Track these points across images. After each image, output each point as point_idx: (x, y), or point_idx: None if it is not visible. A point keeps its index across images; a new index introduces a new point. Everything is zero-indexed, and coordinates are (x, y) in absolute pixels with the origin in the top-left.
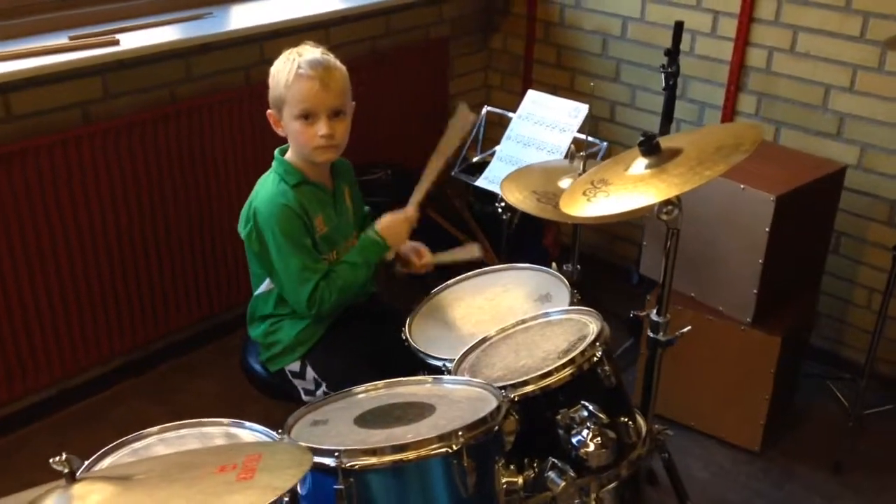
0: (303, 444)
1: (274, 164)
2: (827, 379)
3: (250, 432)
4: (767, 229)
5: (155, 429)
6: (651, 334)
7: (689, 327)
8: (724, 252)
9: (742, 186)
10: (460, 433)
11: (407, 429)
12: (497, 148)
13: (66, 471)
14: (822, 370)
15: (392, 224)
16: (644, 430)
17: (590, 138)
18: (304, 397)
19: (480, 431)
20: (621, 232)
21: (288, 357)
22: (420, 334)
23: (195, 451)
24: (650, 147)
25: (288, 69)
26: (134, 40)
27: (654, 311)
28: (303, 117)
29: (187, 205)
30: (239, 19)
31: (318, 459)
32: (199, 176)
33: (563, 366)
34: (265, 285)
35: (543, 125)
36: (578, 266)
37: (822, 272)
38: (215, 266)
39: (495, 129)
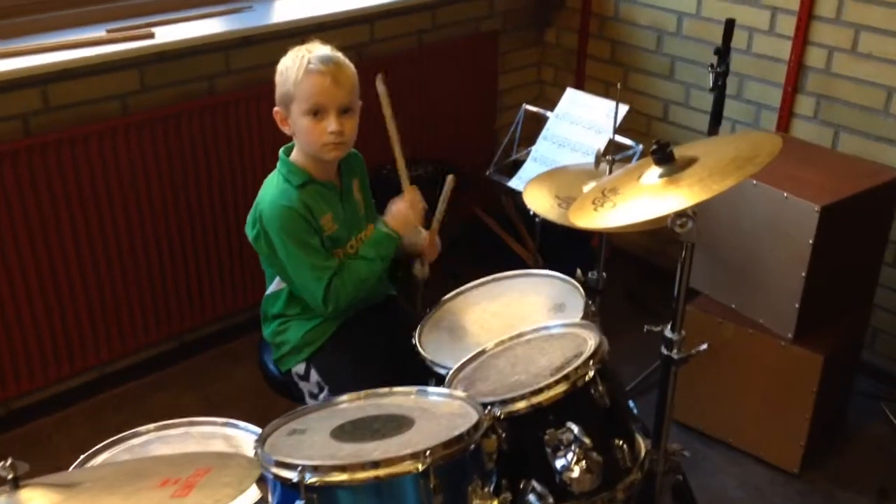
0: (274, 456)
1: (278, 164)
2: (880, 399)
3: (244, 433)
4: (811, 241)
5: (151, 426)
6: (664, 351)
7: (705, 345)
8: (766, 263)
9: (785, 195)
10: (428, 452)
11: (379, 444)
12: (533, 148)
13: (10, 477)
14: (878, 389)
15: (398, 213)
16: (643, 453)
17: (626, 140)
18: (307, 400)
19: (454, 451)
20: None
21: (294, 358)
22: (430, 340)
23: (153, 460)
24: (663, 156)
25: (298, 65)
26: (169, 33)
27: (669, 326)
28: (312, 113)
29: (222, 195)
30: (281, 13)
31: (283, 473)
32: (237, 167)
33: (554, 384)
34: (275, 285)
35: (580, 125)
36: (604, 274)
37: (875, 286)
38: (253, 256)
39: (534, 128)
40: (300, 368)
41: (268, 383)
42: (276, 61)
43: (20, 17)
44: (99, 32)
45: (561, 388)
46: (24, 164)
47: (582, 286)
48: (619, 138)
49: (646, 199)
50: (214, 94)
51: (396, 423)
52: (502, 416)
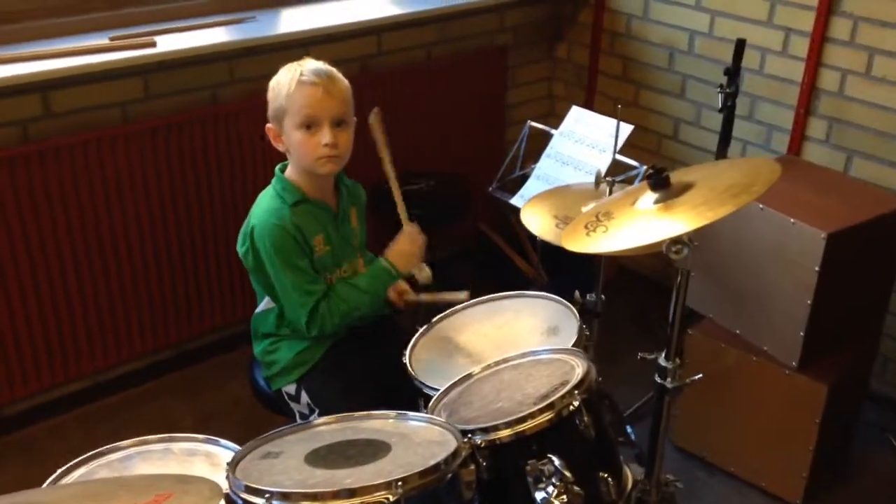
0: (244, 481)
1: (273, 180)
2: (887, 430)
3: (224, 451)
4: (817, 268)
5: (131, 441)
6: (658, 379)
7: (700, 375)
8: (771, 289)
9: (792, 220)
10: (400, 483)
11: (352, 471)
12: (536, 165)
13: None
14: (886, 419)
15: (400, 251)
16: (630, 486)
17: (629, 160)
18: (297, 420)
19: (429, 480)
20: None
21: (285, 378)
22: (420, 361)
23: (116, 482)
24: (658, 181)
25: (290, 78)
26: (171, 42)
27: (663, 354)
28: (305, 126)
29: (223, 206)
30: (286, 23)
31: (252, 499)
32: (237, 178)
33: (537, 413)
34: (265, 303)
35: (584, 144)
36: (603, 296)
37: (884, 314)
38: None
39: (538, 144)
40: (291, 389)
41: (258, 400)
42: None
43: (23, 22)
44: (102, 40)
45: (544, 417)
46: (21, 171)
47: (580, 308)
48: (623, 158)
49: (639, 224)
50: (217, 103)
51: (373, 450)
52: (483, 445)
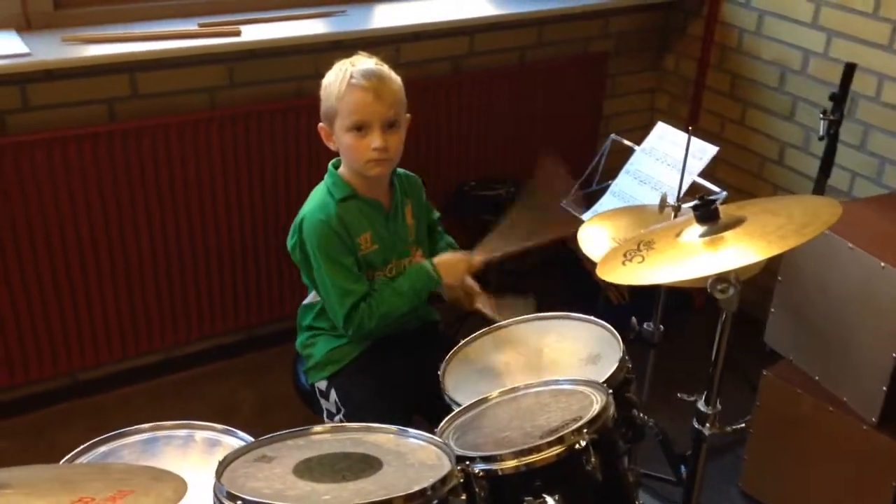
0: (224, 484)
1: (326, 175)
2: None
3: (238, 441)
4: None
5: (146, 426)
6: (696, 425)
7: (743, 423)
8: (856, 336)
9: (882, 264)
10: None
11: (333, 488)
12: (613, 181)
13: None
14: None
15: (451, 263)
16: None
17: (709, 185)
18: (325, 419)
19: None
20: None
21: (318, 374)
22: (454, 374)
23: (95, 470)
24: (706, 213)
25: (340, 79)
26: (257, 32)
27: (703, 398)
28: (355, 129)
29: (299, 196)
30: (376, 19)
31: (226, 502)
32: (314, 169)
33: (542, 447)
34: (312, 296)
35: (665, 163)
36: (661, 326)
37: None
38: None
39: (622, 159)
40: (322, 385)
41: (296, 392)
42: None
43: (115, 4)
44: (191, 26)
45: (548, 453)
46: (104, 149)
47: (635, 337)
48: (703, 182)
49: (679, 258)
50: (301, 95)
51: (363, 466)
52: (481, 474)
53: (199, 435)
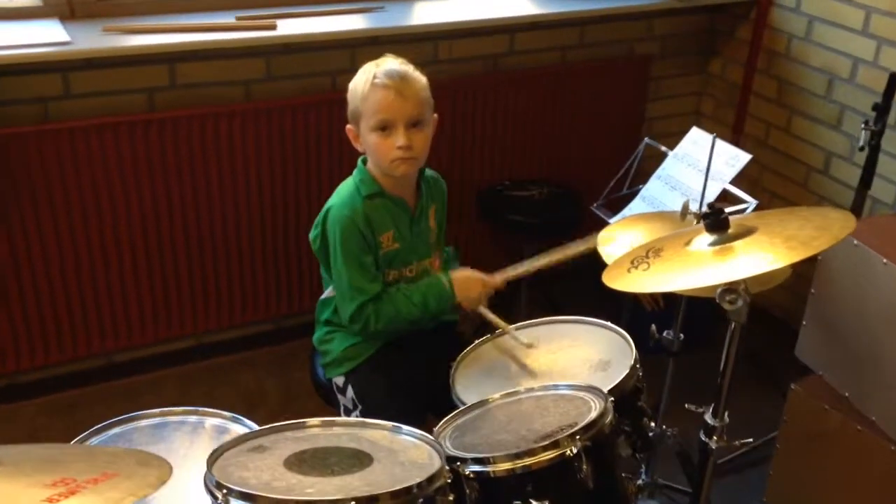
0: (214, 473)
1: (355, 170)
2: None
3: (245, 429)
4: None
5: (155, 411)
6: (702, 437)
7: (751, 439)
8: (889, 355)
9: None
10: (353, 503)
11: (319, 481)
12: (644, 186)
13: None
14: None
15: (468, 281)
16: None
17: (740, 193)
18: (341, 413)
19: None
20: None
21: (336, 369)
22: (464, 375)
23: (85, 451)
24: (715, 222)
25: (364, 80)
26: (292, 27)
27: (710, 410)
28: (380, 129)
29: (331, 189)
30: (415, 15)
31: (215, 492)
32: (346, 164)
33: (533, 452)
34: (329, 290)
35: (697, 169)
36: (682, 335)
37: None
38: None
39: (655, 164)
40: (340, 381)
41: (313, 386)
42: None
43: None
44: (229, 19)
45: (539, 458)
46: (141, 137)
47: (654, 345)
48: (734, 189)
49: (686, 267)
50: (337, 90)
51: (354, 461)
52: (471, 475)
53: (209, 422)
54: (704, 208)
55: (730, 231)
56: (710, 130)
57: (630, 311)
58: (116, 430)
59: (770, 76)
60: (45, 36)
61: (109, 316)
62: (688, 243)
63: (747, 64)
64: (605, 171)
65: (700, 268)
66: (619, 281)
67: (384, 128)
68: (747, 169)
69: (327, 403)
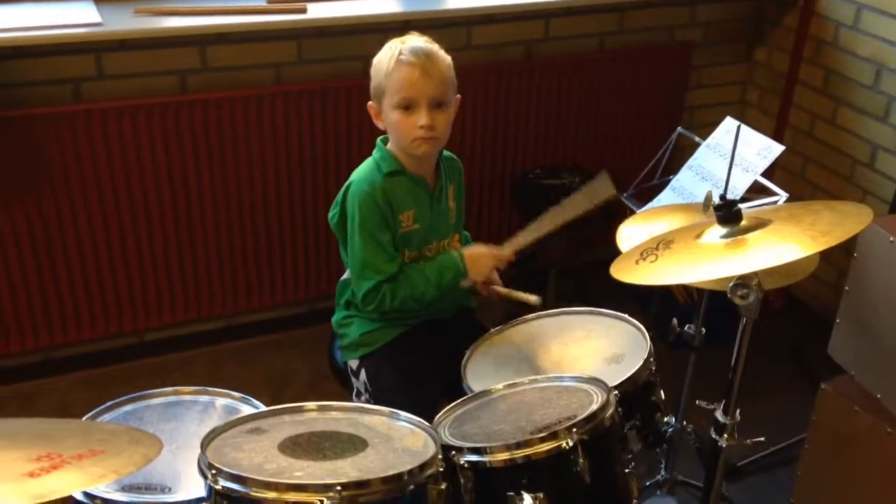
0: (207, 455)
1: (374, 150)
2: None
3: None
4: None
5: (168, 390)
6: (713, 434)
7: (762, 438)
8: None
9: None
10: (339, 488)
11: (310, 465)
12: (675, 176)
13: None
14: None
15: (479, 256)
16: None
17: (771, 185)
18: (353, 397)
19: (380, 490)
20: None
21: (351, 353)
22: (476, 363)
23: (78, 427)
24: (727, 214)
25: (389, 57)
26: (322, 10)
27: (721, 407)
28: (402, 107)
29: None
30: (448, 0)
31: (206, 472)
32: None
33: (531, 443)
34: (348, 272)
35: (728, 160)
36: (703, 329)
37: None
38: None
39: (687, 155)
40: (354, 364)
41: (330, 367)
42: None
43: None
44: (260, 2)
45: (534, 449)
46: (172, 119)
47: (675, 339)
48: (765, 182)
49: (695, 259)
50: (368, 75)
51: (347, 446)
52: (466, 465)
53: (220, 402)
54: (716, 200)
55: (742, 224)
56: (754, 120)
57: (659, 303)
58: (128, 407)
59: (817, 65)
60: (79, 17)
61: (141, 295)
62: (699, 235)
63: (793, 53)
64: (640, 160)
65: (709, 261)
66: (626, 273)
67: (407, 106)
68: (790, 161)
69: (343, 386)
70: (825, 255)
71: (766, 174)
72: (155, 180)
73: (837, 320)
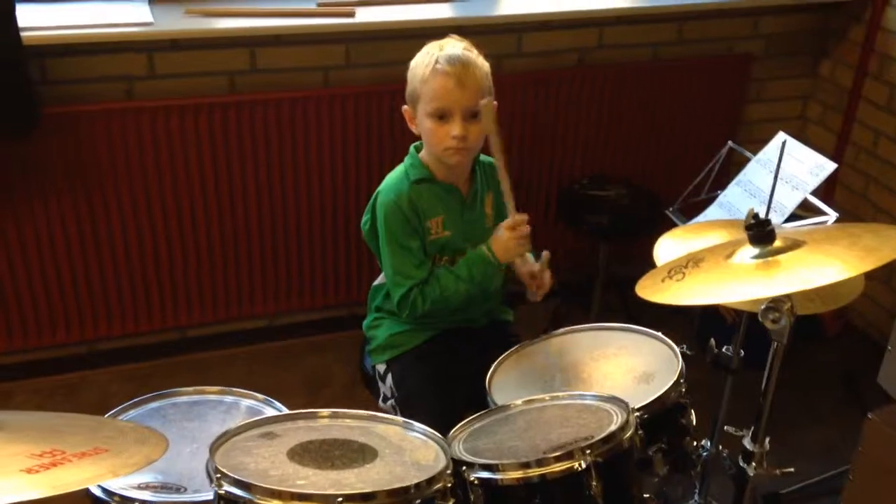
0: (215, 458)
1: (406, 156)
2: None
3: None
4: None
5: (190, 389)
6: (741, 462)
7: (791, 469)
8: None
9: None
10: (340, 499)
11: (314, 474)
12: (722, 191)
13: None
14: None
15: (497, 238)
16: None
17: (821, 204)
18: (379, 402)
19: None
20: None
21: (379, 356)
22: (502, 376)
23: (88, 423)
24: (760, 234)
25: (425, 63)
26: (371, 15)
27: (749, 434)
28: (436, 116)
29: None
30: (502, 5)
31: (212, 474)
32: None
33: (543, 462)
34: (381, 277)
35: (779, 177)
36: (742, 351)
37: None
38: None
39: (737, 170)
40: (381, 368)
41: (360, 371)
42: (485, 55)
43: None
44: (310, 5)
45: (547, 469)
46: (220, 119)
47: (712, 361)
48: (815, 201)
49: (724, 279)
50: None
51: (357, 456)
52: (476, 481)
53: (244, 403)
54: (749, 219)
55: (777, 244)
56: (815, 136)
57: (703, 321)
58: (154, 404)
59: (882, 82)
60: (132, 16)
61: (184, 292)
62: (730, 255)
63: (858, 67)
64: (690, 173)
65: (738, 281)
66: (651, 291)
67: (441, 116)
68: (852, 180)
69: (370, 390)
70: (885, 279)
71: (824, 193)
72: (201, 179)
73: (889, 348)
